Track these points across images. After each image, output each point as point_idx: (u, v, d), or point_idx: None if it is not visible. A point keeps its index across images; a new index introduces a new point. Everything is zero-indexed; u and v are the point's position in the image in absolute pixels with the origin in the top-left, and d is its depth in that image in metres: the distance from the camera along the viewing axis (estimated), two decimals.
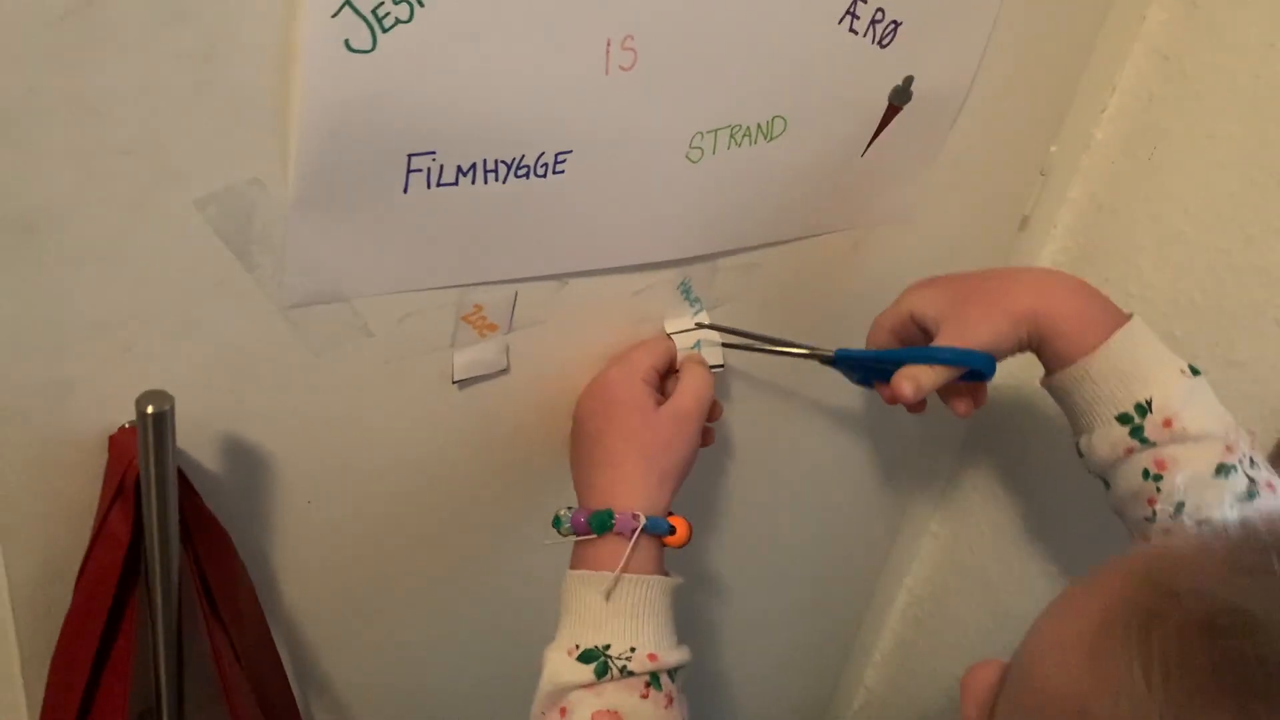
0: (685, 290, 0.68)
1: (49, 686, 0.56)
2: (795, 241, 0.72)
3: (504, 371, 0.64)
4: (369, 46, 0.48)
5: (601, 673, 0.58)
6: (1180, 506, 0.61)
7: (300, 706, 0.68)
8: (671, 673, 0.60)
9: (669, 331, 0.68)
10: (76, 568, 0.53)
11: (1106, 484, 0.65)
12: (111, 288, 0.49)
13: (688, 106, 0.59)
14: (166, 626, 0.55)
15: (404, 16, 0.48)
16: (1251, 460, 0.62)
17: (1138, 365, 0.62)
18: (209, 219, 0.49)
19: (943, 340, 0.65)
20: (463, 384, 0.63)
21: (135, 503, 0.51)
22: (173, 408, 0.48)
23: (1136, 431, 0.62)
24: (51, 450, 0.51)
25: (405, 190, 0.54)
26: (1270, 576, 0.36)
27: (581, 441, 0.65)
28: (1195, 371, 0.63)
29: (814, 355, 0.70)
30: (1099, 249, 0.87)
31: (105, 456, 0.52)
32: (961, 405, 0.68)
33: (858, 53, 0.63)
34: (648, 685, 0.59)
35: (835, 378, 0.72)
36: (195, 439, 0.55)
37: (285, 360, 0.56)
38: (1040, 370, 0.68)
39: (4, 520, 0.52)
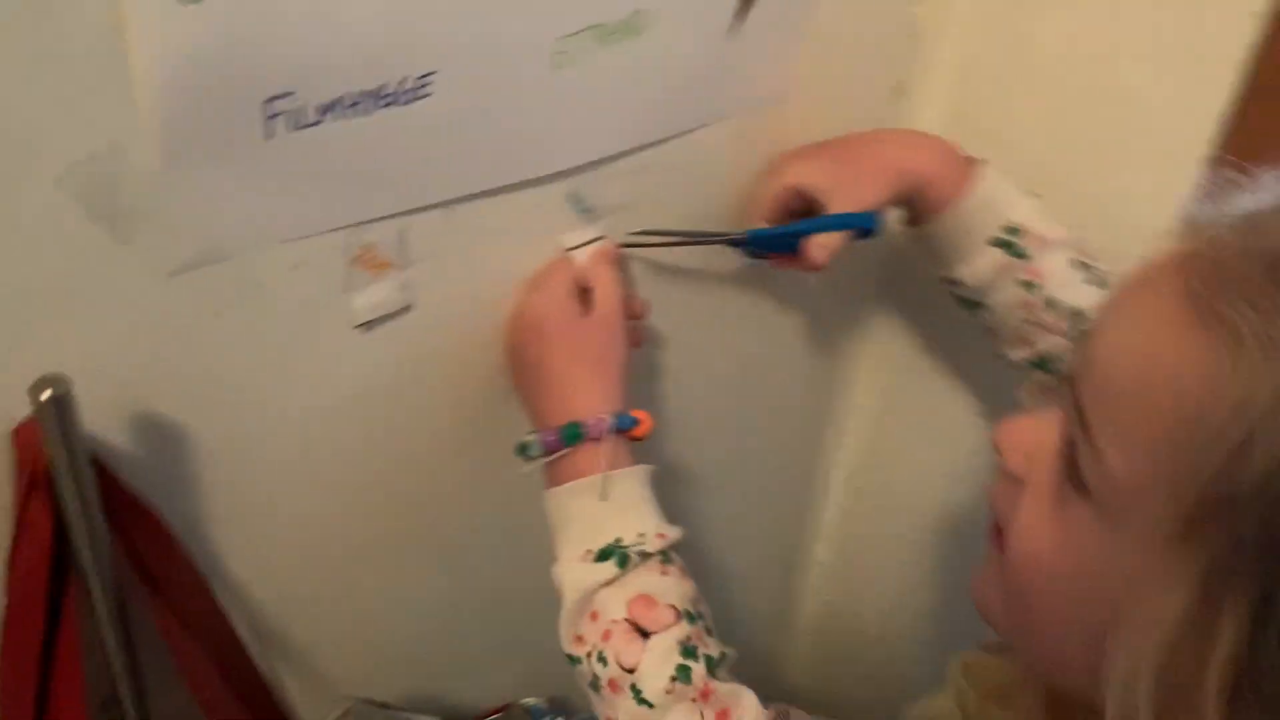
0: (576, 201, 0.68)
1: (1, 690, 0.55)
2: (678, 138, 0.72)
3: (408, 309, 0.64)
4: None
5: (623, 563, 0.60)
6: (1052, 302, 0.73)
7: (266, 671, 0.69)
8: (676, 547, 0.63)
9: (567, 247, 0.69)
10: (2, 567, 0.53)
11: (978, 305, 0.76)
12: None
13: (547, 10, 0.59)
14: (108, 611, 0.55)
15: None
16: (1091, 257, 0.74)
17: (998, 197, 0.73)
18: (74, 194, 0.48)
19: (835, 206, 0.71)
20: (367, 327, 0.63)
21: (51, 492, 0.51)
22: (70, 390, 0.47)
23: (1013, 250, 0.73)
24: None
25: (269, 137, 0.53)
26: None
27: (524, 371, 0.67)
28: (1034, 194, 0.75)
29: (724, 240, 0.74)
30: (973, 105, 0.88)
31: (12, 452, 0.51)
32: (820, 254, 0.71)
33: None
34: (664, 563, 0.61)
35: (739, 266, 0.73)
36: (104, 420, 0.54)
37: (179, 328, 0.55)
38: None
39: None
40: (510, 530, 0.78)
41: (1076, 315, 0.72)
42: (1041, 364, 0.75)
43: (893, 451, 1.09)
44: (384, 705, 0.79)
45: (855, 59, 0.82)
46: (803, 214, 0.73)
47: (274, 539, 0.66)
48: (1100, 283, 0.72)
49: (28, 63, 0.44)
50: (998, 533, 0.53)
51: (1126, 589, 0.43)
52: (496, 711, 0.88)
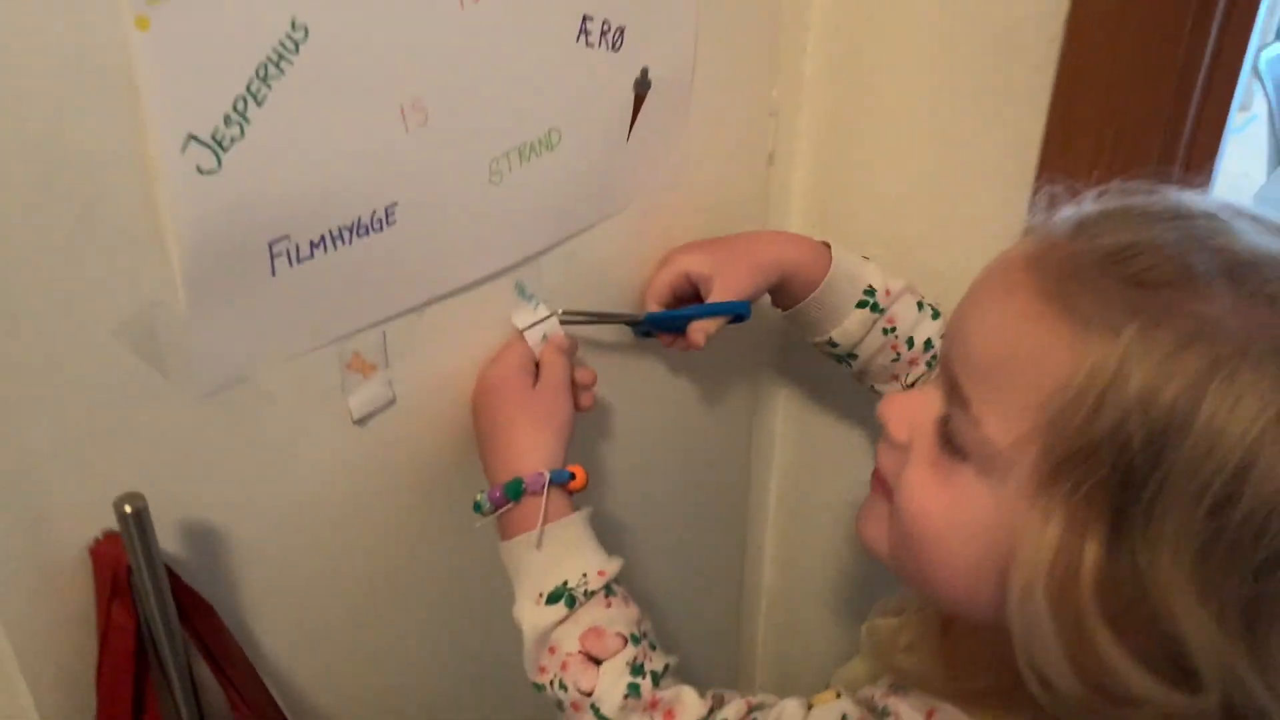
0: (521, 290, 0.80)
1: None
2: (598, 226, 0.84)
3: (392, 402, 0.75)
4: (216, 167, 0.58)
5: (570, 603, 0.70)
6: (910, 340, 0.88)
7: None
8: (617, 579, 0.73)
9: (519, 327, 0.80)
10: (90, 672, 0.61)
11: (851, 356, 0.90)
12: (59, 423, 0.57)
13: (479, 140, 0.71)
14: (185, 696, 0.63)
15: (237, 135, 0.58)
16: (921, 296, 0.91)
17: (852, 268, 0.88)
18: (125, 343, 0.58)
19: (715, 293, 0.84)
20: (362, 422, 0.73)
21: (131, 597, 0.59)
22: (146, 504, 0.57)
23: (874, 308, 0.87)
24: (46, 576, 0.59)
25: (274, 274, 0.63)
26: (1124, 224, 0.53)
27: (482, 438, 0.77)
28: (867, 258, 0.90)
29: (629, 321, 0.87)
30: (834, 164, 1.02)
31: (90, 565, 0.60)
32: (699, 337, 0.85)
33: (599, 60, 0.76)
34: (607, 596, 0.71)
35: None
36: (161, 529, 0.63)
37: (212, 441, 0.65)
38: None
39: (20, 648, 0.59)
40: (493, 585, 0.88)
41: (929, 344, 0.88)
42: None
43: (816, 471, 1.21)
44: None
45: (730, 140, 0.95)
46: (690, 298, 0.87)
47: (298, 615, 0.75)
48: (934, 314, 0.89)
49: (84, 239, 0.54)
50: (881, 482, 0.63)
51: (1011, 529, 0.52)
52: None
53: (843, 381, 1.13)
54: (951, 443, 0.57)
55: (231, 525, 0.68)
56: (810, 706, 0.67)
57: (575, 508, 0.74)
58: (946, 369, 0.58)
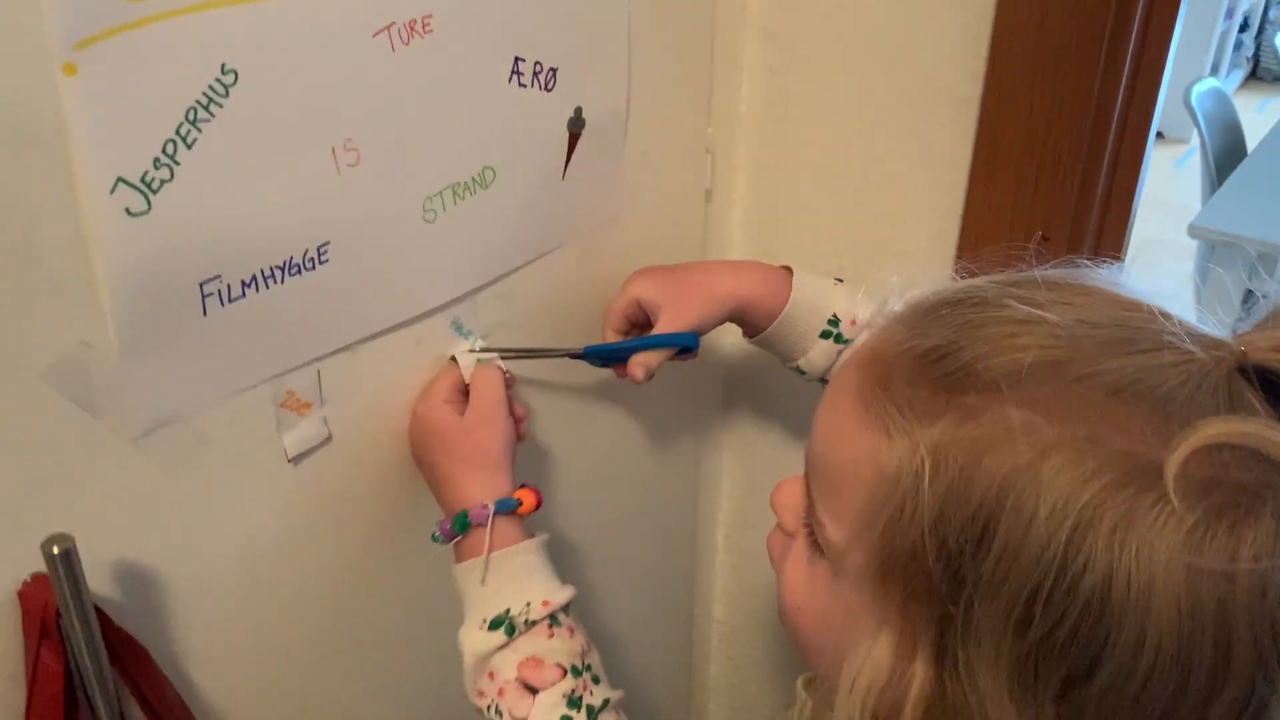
0: (457, 327, 0.81)
1: None
2: (533, 263, 0.86)
3: (328, 440, 0.75)
4: (145, 208, 0.58)
5: (510, 631, 0.70)
6: None
7: None
8: (565, 609, 0.73)
9: (453, 355, 0.80)
10: (20, 715, 0.61)
11: (822, 381, 0.87)
12: None
13: (412, 179, 0.72)
14: None
15: (167, 177, 0.59)
16: None
17: (814, 297, 0.85)
18: (55, 385, 0.58)
19: (662, 322, 0.83)
20: (297, 460, 0.73)
21: (60, 639, 0.59)
22: (74, 545, 0.56)
23: (838, 338, 0.85)
24: None
25: (205, 314, 0.64)
26: (936, 324, 0.50)
27: (424, 472, 0.79)
28: (840, 280, 0.88)
29: (567, 354, 0.86)
30: (772, 200, 1.05)
31: (17, 608, 0.60)
32: (638, 371, 0.82)
33: (532, 100, 0.78)
34: (550, 626, 0.72)
35: (598, 371, 0.87)
36: (91, 570, 0.63)
37: (144, 483, 0.65)
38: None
39: None
40: (439, 620, 0.88)
41: None
42: None
43: (763, 505, 1.22)
44: None
45: (667, 176, 0.97)
46: (646, 324, 0.85)
47: (235, 655, 0.74)
48: None
49: (13, 280, 0.55)
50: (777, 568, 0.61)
51: (849, 633, 0.51)
52: None
53: (789, 417, 1.15)
54: (813, 540, 0.56)
55: (167, 567, 0.68)
56: None
57: (529, 534, 0.75)
58: (806, 456, 0.57)
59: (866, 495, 0.49)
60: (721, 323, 0.86)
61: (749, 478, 1.22)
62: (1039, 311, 0.48)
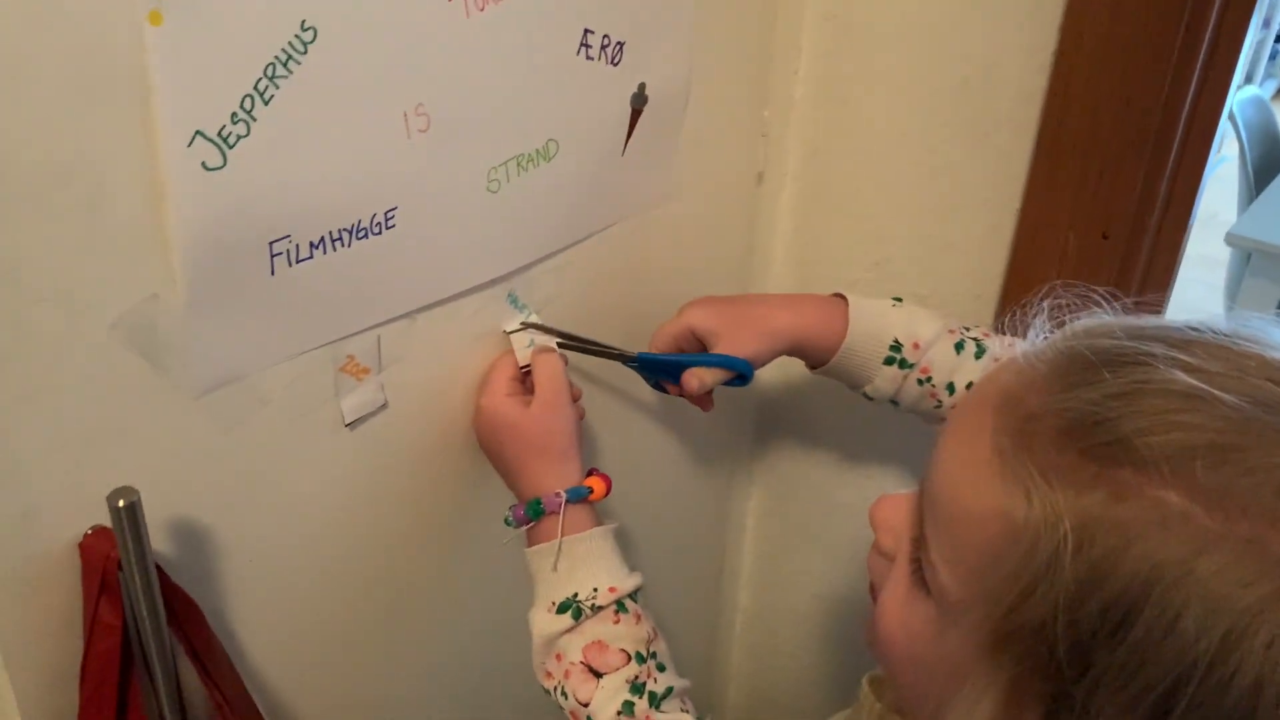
0: (513, 300, 0.80)
1: None
2: (590, 239, 0.85)
3: (384, 406, 0.74)
4: (221, 163, 0.58)
5: (577, 615, 0.71)
6: (950, 386, 0.83)
7: None
8: (633, 595, 0.74)
9: (506, 330, 0.80)
10: (74, 670, 0.61)
11: (895, 404, 0.86)
12: (53, 416, 0.57)
13: (479, 148, 0.72)
14: (169, 697, 0.63)
15: (243, 133, 0.58)
16: (965, 329, 0.85)
17: (873, 324, 0.83)
18: (122, 338, 0.58)
19: (718, 349, 0.82)
20: (353, 425, 0.73)
21: (118, 593, 0.59)
22: (139, 499, 0.56)
23: (902, 364, 0.83)
24: (32, 570, 0.58)
25: (272, 274, 0.63)
26: (1092, 384, 0.46)
27: (494, 462, 0.79)
28: (898, 300, 0.86)
29: (620, 356, 0.84)
30: (821, 185, 1.04)
31: (78, 562, 0.60)
32: (693, 382, 0.82)
33: (598, 74, 0.77)
34: (617, 612, 0.72)
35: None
36: (151, 526, 0.62)
37: (204, 441, 0.64)
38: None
39: (4, 643, 0.58)
40: (487, 593, 0.88)
41: (970, 388, 0.79)
42: None
43: (798, 490, 1.22)
44: None
45: (721, 158, 0.97)
46: (695, 352, 0.84)
47: (283, 618, 0.74)
48: (978, 352, 0.83)
49: (85, 232, 0.54)
50: (871, 585, 0.59)
51: (952, 684, 0.49)
52: None
53: (823, 408, 1.14)
54: (921, 575, 0.52)
55: (220, 526, 0.68)
56: None
57: (599, 521, 0.75)
58: (921, 493, 0.53)
59: (992, 555, 0.46)
60: (776, 357, 0.84)
61: (780, 466, 1.22)
62: (1210, 388, 0.44)
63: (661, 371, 0.84)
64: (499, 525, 0.76)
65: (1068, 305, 0.55)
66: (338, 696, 0.81)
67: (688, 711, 0.71)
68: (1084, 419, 0.45)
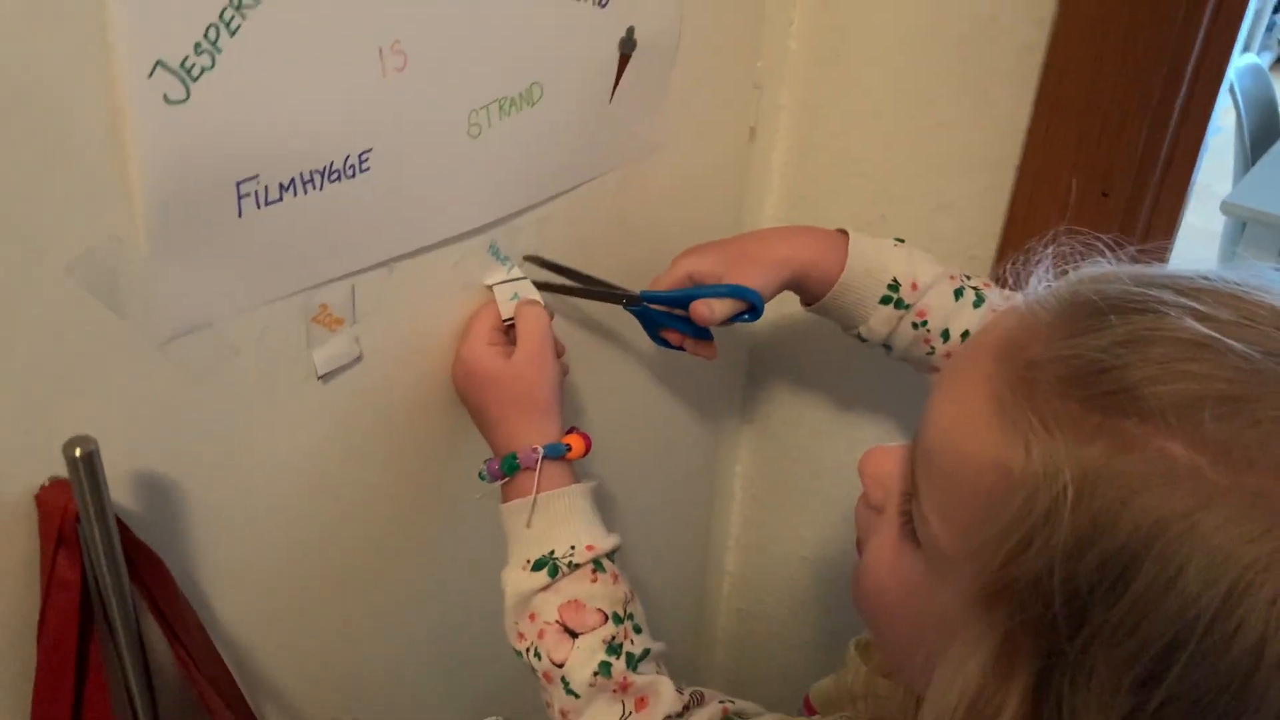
0: (495, 251, 0.77)
1: None
2: (573, 190, 0.82)
3: (359, 359, 0.72)
4: (184, 96, 0.55)
5: (554, 573, 0.69)
6: (945, 332, 0.81)
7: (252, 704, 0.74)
8: (610, 555, 0.71)
9: (488, 283, 0.77)
10: (31, 627, 0.58)
11: (888, 348, 0.84)
12: (8, 362, 0.54)
13: (459, 89, 0.69)
14: (132, 656, 0.60)
15: (208, 65, 0.55)
16: (966, 276, 0.83)
17: (872, 261, 0.81)
18: (80, 281, 0.55)
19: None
20: (326, 378, 0.70)
21: (78, 547, 0.56)
22: (97, 449, 0.54)
23: (898, 304, 0.81)
24: None
25: (240, 215, 0.60)
26: (1099, 331, 0.44)
27: (473, 414, 0.76)
28: (900, 240, 0.83)
29: (620, 296, 0.81)
30: (814, 142, 1.01)
31: (35, 515, 0.57)
32: (704, 309, 0.79)
33: (585, 16, 0.74)
34: (594, 571, 0.70)
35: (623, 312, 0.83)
36: (111, 478, 0.60)
37: (169, 391, 0.62)
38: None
39: None
40: (464, 553, 0.86)
41: (966, 336, 0.81)
42: None
43: (786, 455, 1.20)
44: None
45: (713, 111, 0.94)
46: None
47: (253, 574, 0.72)
48: (977, 300, 0.81)
49: (41, 167, 0.51)
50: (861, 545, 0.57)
51: (941, 639, 0.47)
52: None
53: (813, 367, 1.12)
54: (911, 527, 0.51)
55: (187, 480, 0.65)
56: None
57: (577, 478, 0.73)
58: (913, 445, 0.51)
59: (987, 507, 0.44)
60: (781, 290, 0.82)
61: (769, 428, 1.20)
62: (1221, 337, 0.42)
63: (665, 315, 0.81)
64: (475, 482, 0.73)
65: (1071, 254, 0.52)
66: (308, 654, 0.79)
67: (663, 674, 0.70)
68: (1089, 367, 0.43)
